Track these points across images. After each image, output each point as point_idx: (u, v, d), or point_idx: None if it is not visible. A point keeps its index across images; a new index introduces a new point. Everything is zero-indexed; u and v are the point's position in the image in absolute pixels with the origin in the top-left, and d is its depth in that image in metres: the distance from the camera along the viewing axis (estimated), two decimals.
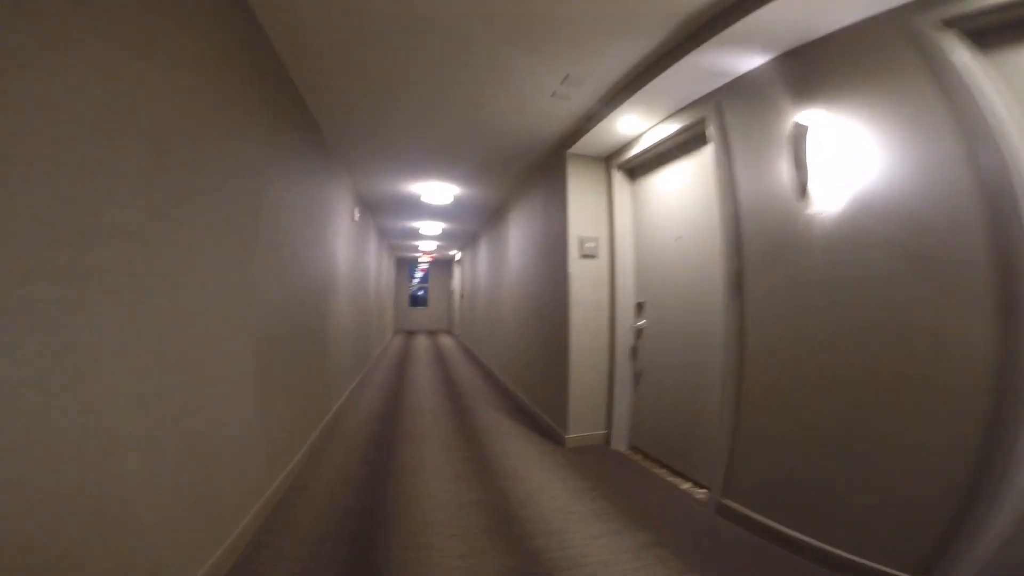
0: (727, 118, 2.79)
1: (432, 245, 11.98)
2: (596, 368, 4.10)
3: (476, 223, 8.65)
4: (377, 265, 9.58)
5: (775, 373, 2.42)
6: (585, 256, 4.09)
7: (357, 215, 6.11)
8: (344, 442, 4.08)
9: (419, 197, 6.28)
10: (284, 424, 3.12)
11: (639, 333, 3.90)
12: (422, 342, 12.72)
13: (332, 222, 4.78)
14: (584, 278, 4.09)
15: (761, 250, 2.52)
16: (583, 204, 4.13)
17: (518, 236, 6.08)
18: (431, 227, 9.02)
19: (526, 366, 5.43)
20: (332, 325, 4.75)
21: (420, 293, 16.86)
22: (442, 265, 16.57)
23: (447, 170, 5.18)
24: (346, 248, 5.67)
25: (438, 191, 5.95)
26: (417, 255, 14.55)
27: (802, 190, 2.29)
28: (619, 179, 4.06)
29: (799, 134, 2.29)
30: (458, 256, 13.59)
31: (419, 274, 16.91)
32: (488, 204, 6.96)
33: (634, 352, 3.96)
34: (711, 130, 2.89)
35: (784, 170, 2.39)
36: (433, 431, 4.45)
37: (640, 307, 3.88)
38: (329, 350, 4.59)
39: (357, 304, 6.74)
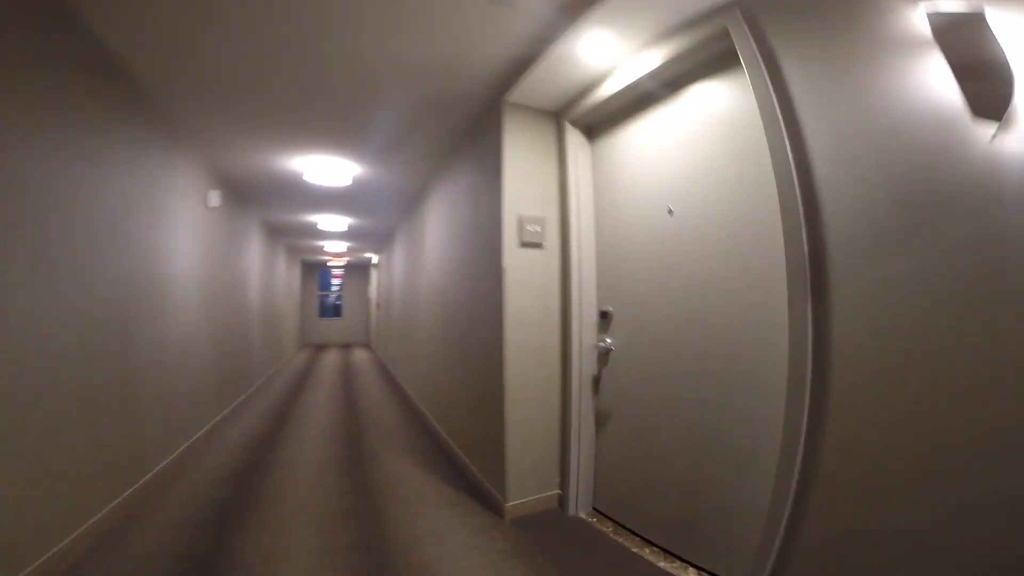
0: (769, 27, 1.70)
1: (340, 246, 10.39)
2: (544, 405, 2.88)
3: (389, 216, 7.24)
4: (265, 269, 7.92)
5: (901, 431, 1.31)
6: (527, 245, 2.87)
7: (215, 200, 4.55)
8: (158, 522, 2.60)
9: (301, 176, 4.81)
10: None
11: (604, 356, 2.73)
12: (331, 359, 11.04)
13: (164, 209, 3.28)
14: (525, 277, 2.86)
15: (876, 218, 1.40)
16: (525, 172, 2.91)
17: (437, 225, 4.77)
18: (332, 222, 7.50)
19: (450, 400, 4.10)
20: (158, 346, 3.23)
21: (335, 302, 15.05)
22: (358, 270, 14.88)
23: (339, 138, 3.80)
24: (197, 244, 4.14)
25: (329, 169, 4.53)
26: (327, 259, 12.82)
27: (986, 107, 1.18)
28: (575, 139, 2.88)
29: (966, 24, 1.20)
30: (375, 259, 12.05)
31: (335, 282, 15.11)
32: (402, 190, 5.60)
33: (596, 384, 2.79)
34: (745, 44, 1.77)
35: (917, 85, 1.30)
36: (309, 497, 3.04)
37: (605, 319, 2.71)
38: (148, 383, 3.07)
39: (225, 317, 5.15)
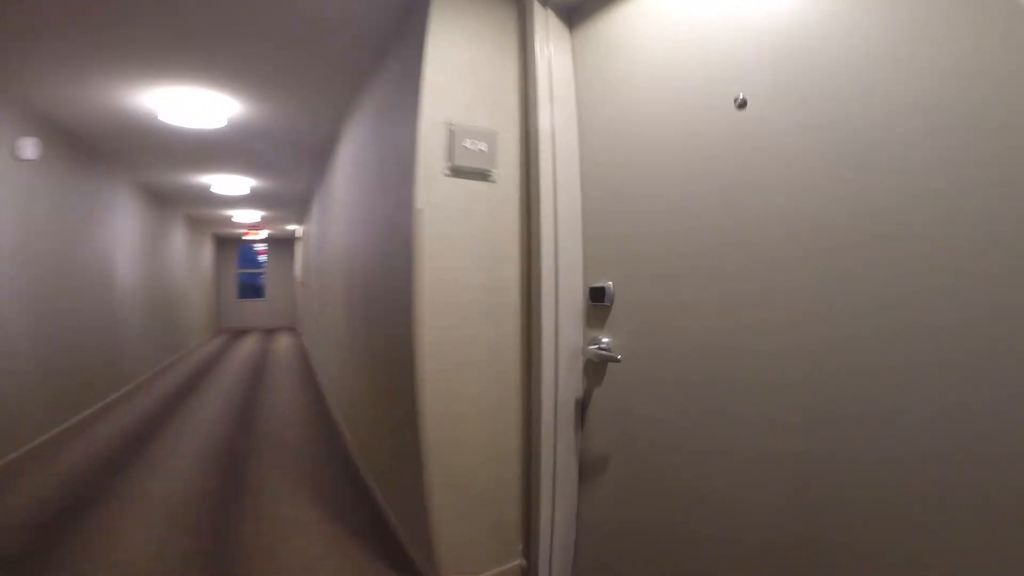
0: None
1: (252, 215, 8.84)
2: (496, 442, 1.78)
3: (302, 175, 5.87)
4: (151, 243, 6.39)
5: None
6: (464, 173, 1.69)
7: (29, 150, 3.15)
8: None
9: (156, 116, 3.44)
10: None
11: (598, 368, 1.64)
12: (247, 347, 9.53)
13: None
14: (458, 227, 1.69)
15: None
16: (463, 64, 1.71)
17: (346, 174, 3.52)
18: (229, 184, 6.05)
19: (360, 415, 2.93)
20: None
21: (255, 282, 13.34)
22: (283, 244, 13.21)
23: (201, 61, 2.50)
24: (6, 209, 2.78)
25: (193, 105, 3.19)
26: (242, 232, 11.15)
27: None
28: (547, 24, 1.74)
29: None
30: (299, 231, 10.53)
31: (262, 259, 13.38)
32: (307, 138, 4.28)
33: (582, 411, 1.72)
34: None
35: None
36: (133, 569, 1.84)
37: (600, 303, 1.61)
38: None
39: (67, 305, 3.76)
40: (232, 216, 8.88)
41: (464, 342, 1.67)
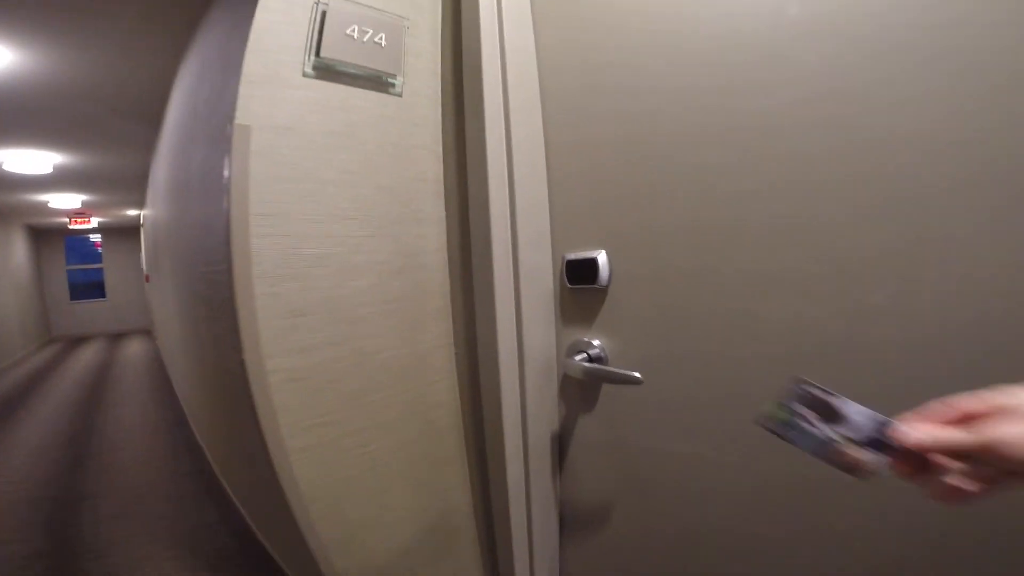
0: None
1: (71, 200, 7.09)
2: (431, 505, 1.14)
3: (129, 149, 4.60)
4: None
5: None
6: (336, 73, 0.95)
7: None
8: None
9: None
10: None
11: (586, 393, 1.04)
12: (87, 357, 7.81)
13: None
14: (325, 164, 0.94)
15: None
16: None
17: (171, 127, 2.61)
18: (25, 160, 4.61)
19: (220, 444, 2.14)
20: None
21: (91, 279, 11.09)
22: (125, 234, 11.07)
23: None
24: None
25: None
26: (67, 221, 9.06)
27: None
28: None
29: None
30: (142, 216, 8.77)
31: (100, 251, 11.12)
32: (129, 96, 3.18)
33: (559, 446, 1.13)
34: None
35: None
36: None
37: (583, 279, 1.02)
38: None
39: None
40: (48, 202, 7.08)
41: (351, 366, 0.99)
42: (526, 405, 1.05)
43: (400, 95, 1.05)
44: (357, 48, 0.96)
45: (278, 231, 0.84)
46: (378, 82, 1.02)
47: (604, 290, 0.99)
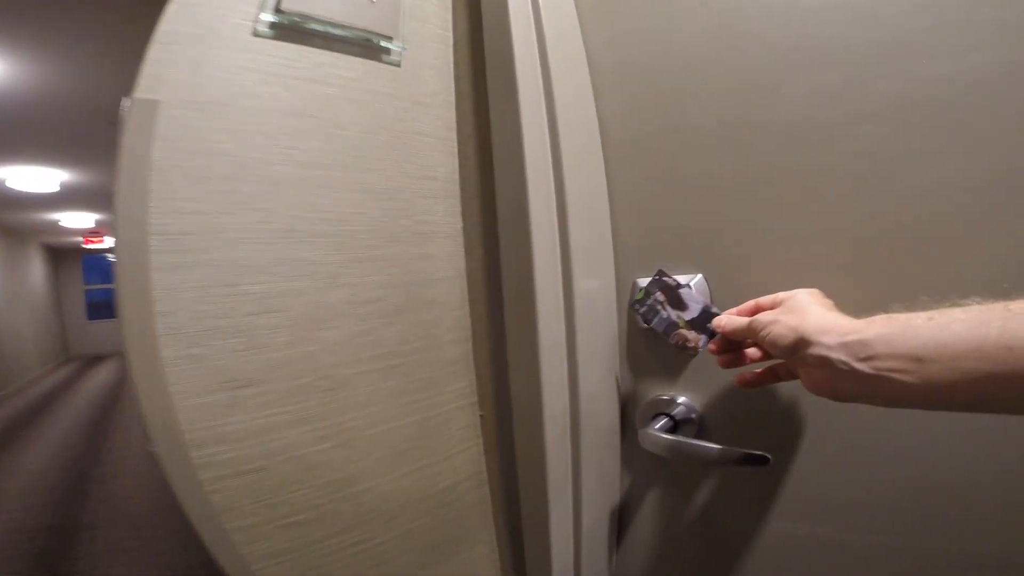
0: None
1: (84, 218, 6.94)
2: None
3: None
4: None
5: None
6: (304, 31, 0.63)
7: None
8: None
9: None
10: None
11: (655, 460, 0.72)
12: (101, 378, 7.67)
13: None
14: (277, 158, 0.61)
15: None
16: None
17: None
18: (31, 177, 4.42)
19: None
20: None
21: (104, 299, 10.99)
22: None
23: None
24: None
25: None
26: (82, 240, 8.96)
27: None
28: None
29: None
30: None
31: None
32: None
33: (618, 523, 0.80)
34: None
35: None
36: None
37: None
38: None
39: None
40: (59, 221, 6.95)
41: (332, 448, 0.65)
42: (580, 484, 0.73)
43: (398, 64, 0.74)
44: (337, 1, 0.66)
45: (200, 258, 0.52)
46: (367, 47, 0.71)
47: None
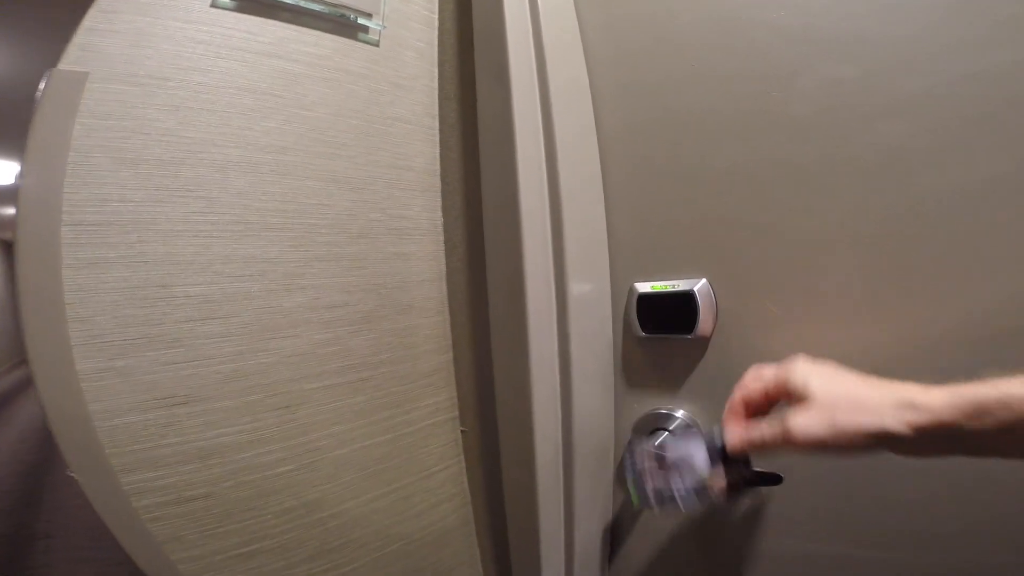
0: None
1: None
2: None
3: None
4: None
5: None
6: (268, 2, 0.55)
7: None
8: None
9: None
10: None
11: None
12: None
13: None
14: (227, 143, 0.53)
15: None
16: None
17: None
18: None
19: None
20: None
21: None
22: None
23: None
24: None
25: None
26: None
27: None
28: None
29: None
30: None
31: None
32: None
33: (610, 543, 0.73)
34: None
35: None
36: None
37: (668, 324, 0.60)
38: None
39: None
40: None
41: (294, 470, 0.56)
42: (573, 503, 0.66)
43: (376, 44, 0.65)
44: None
45: (125, 254, 0.43)
46: (342, 23, 0.62)
47: (704, 342, 0.59)
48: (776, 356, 0.47)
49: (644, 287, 0.61)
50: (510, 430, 0.65)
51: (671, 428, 0.63)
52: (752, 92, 0.55)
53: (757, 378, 0.43)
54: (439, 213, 0.64)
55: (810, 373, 0.39)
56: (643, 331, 0.62)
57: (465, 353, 0.65)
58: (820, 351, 0.44)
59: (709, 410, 0.61)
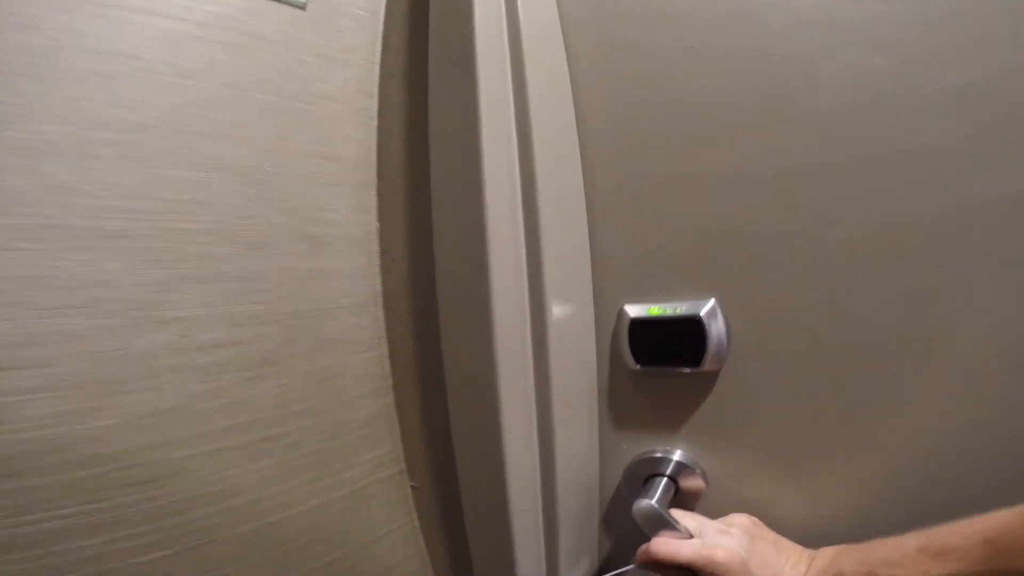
0: None
1: None
2: None
3: None
4: None
5: None
6: None
7: None
8: None
9: None
10: None
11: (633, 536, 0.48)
12: None
13: None
14: (54, 116, 0.38)
15: None
16: None
17: None
18: None
19: None
20: None
21: None
22: None
23: None
24: None
25: None
26: None
27: None
28: None
29: None
30: None
31: None
32: None
33: None
34: None
35: None
36: None
37: (667, 355, 0.47)
38: None
39: None
40: None
41: (173, 556, 0.41)
42: (557, 559, 0.52)
43: (302, 7, 0.51)
44: None
45: None
46: None
47: (713, 376, 0.46)
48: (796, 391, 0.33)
49: (637, 310, 0.47)
50: (475, 483, 0.51)
51: (667, 473, 0.50)
52: (767, 81, 0.43)
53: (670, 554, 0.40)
54: (373, 217, 0.49)
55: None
56: (637, 363, 0.48)
57: (410, 395, 0.51)
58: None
59: (713, 451, 0.48)
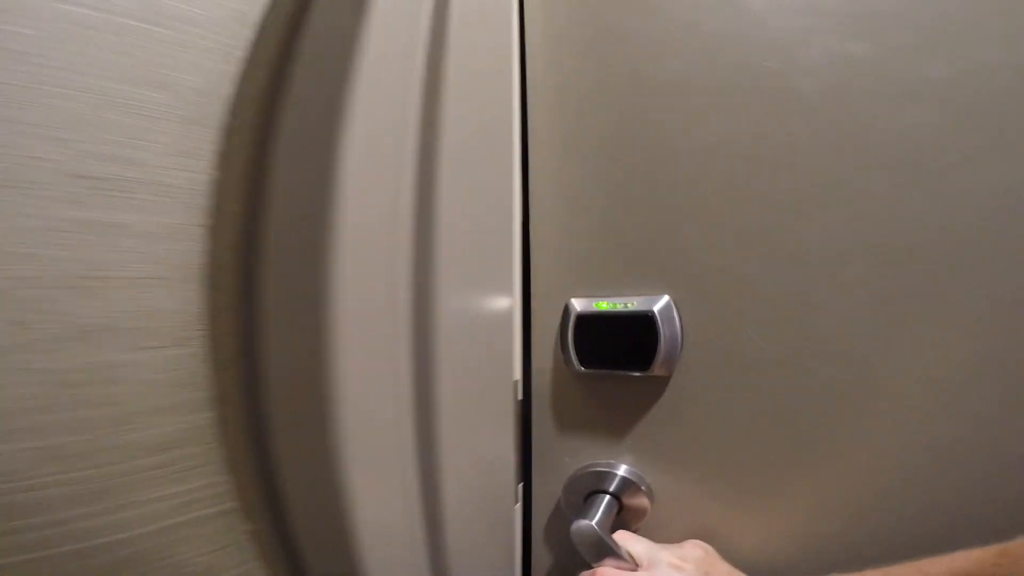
0: None
1: None
2: None
3: None
4: None
5: None
6: None
7: None
8: None
9: None
10: None
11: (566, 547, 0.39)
12: None
13: None
14: None
15: None
16: None
17: None
18: None
19: None
20: None
21: None
22: None
23: None
24: None
25: None
26: None
27: None
28: None
29: None
30: None
31: None
32: None
33: None
34: None
35: None
36: None
37: (609, 358, 0.40)
38: None
39: None
40: None
41: None
42: None
43: None
44: None
45: None
46: None
47: (662, 381, 0.38)
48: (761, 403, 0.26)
49: (584, 304, 0.38)
50: (319, 538, 0.38)
51: (610, 490, 0.42)
52: (741, 59, 0.35)
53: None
54: (206, 164, 0.32)
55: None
56: (582, 365, 0.39)
57: (238, 411, 0.35)
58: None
59: (660, 466, 0.41)
